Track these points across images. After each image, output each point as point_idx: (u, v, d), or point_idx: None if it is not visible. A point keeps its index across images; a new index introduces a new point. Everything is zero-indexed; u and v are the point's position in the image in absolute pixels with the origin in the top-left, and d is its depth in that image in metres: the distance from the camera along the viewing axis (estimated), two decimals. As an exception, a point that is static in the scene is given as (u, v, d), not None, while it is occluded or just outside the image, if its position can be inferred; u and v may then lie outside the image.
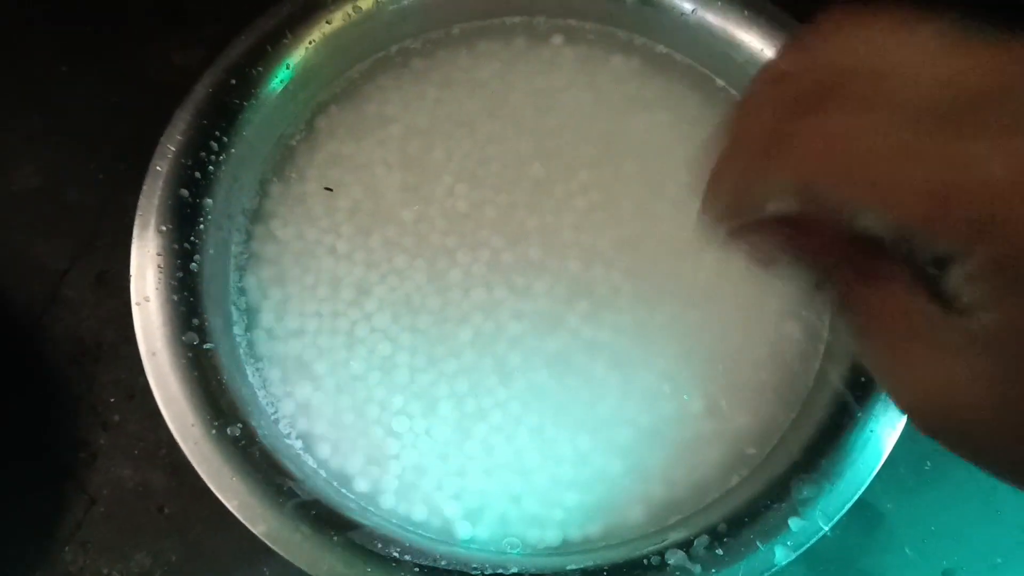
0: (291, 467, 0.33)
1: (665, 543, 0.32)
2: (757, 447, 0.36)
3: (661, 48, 0.43)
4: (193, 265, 0.35)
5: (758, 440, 0.36)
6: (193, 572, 0.37)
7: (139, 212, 0.35)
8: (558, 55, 0.43)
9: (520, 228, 0.39)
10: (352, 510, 0.33)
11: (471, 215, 0.39)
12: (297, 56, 0.39)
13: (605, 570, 0.32)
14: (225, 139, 0.37)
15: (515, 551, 0.34)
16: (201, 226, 0.36)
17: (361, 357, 0.37)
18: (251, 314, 0.38)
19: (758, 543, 0.32)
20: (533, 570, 0.32)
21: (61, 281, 0.41)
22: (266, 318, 0.38)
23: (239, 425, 0.33)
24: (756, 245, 0.25)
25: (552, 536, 0.35)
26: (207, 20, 0.45)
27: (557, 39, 0.43)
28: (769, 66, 0.22)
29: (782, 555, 0.32)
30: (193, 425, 0.32)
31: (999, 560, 0.39)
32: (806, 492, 0.33)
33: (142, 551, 0.37)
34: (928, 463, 0.40)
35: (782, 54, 0.23)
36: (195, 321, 0.34)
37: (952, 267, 0.18)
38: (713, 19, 0.41)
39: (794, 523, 0.32)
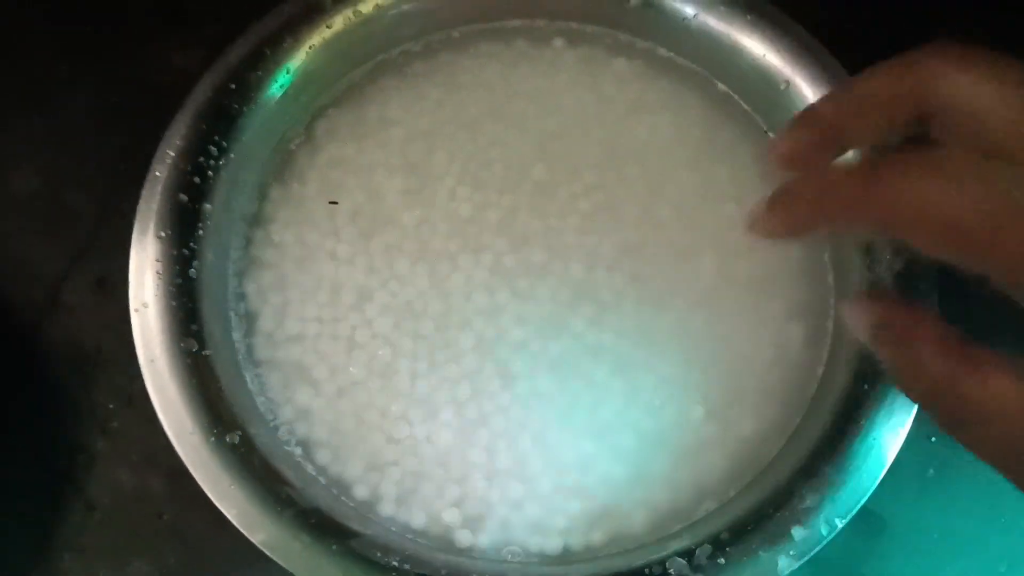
0: (290, 474, 0.33)
1: (667, 552, 0.32)
2: (760, 453, 0.36)
3: (663, 51, 0.43)
4: (192, 271, 0.35)
5: (761, 446, 0.36)
6: (192, 578, 0.37)
7: (138, 218, 0.35)
8: (560, 58, 0.43)
9: (523, 232, 0.39)
10: (351, 518, 0.33)
11: (473, 219, 0.39)
12: (297, 60, 0.39)
13: (606, 579, 0.32)
14: (224, 143, 0.37)
15: (516, 559, 0.34)
16: (200, 231, 0.36)
17: (361, 362, 0.37)
18: (250, 319, 0.38)
19: (760, 552, 0.32)
20: (534, 579, 0.32)
21: (59, 285, 0.41)
22: (265, 323, 0.38)
23: (238, 432, 0.33)
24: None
25: (554, 544, 0.35)
26: (207, 21, 0.45)
27: (558, 42, 0.43)
28: (858, 90, 0.22)
29: (785, 564, 0.31)
30: (191, 433, 0.32)
31: (1003, 568, 0.39)
32: (809, 500, 0.32)
33: (141, 557, 0.37)
34: (931, 470, 0.39)
35: (872, 81, 0.23)
36: (194, 327, 0.34)
37: None
38: (715, 23, 0.41)
39: (797, 532, 0.32)
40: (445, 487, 0.35)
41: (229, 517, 0.31)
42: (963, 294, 0.40)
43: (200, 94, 0.37)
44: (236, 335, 0.37)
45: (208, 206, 0.36)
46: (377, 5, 0.40)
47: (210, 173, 0.37)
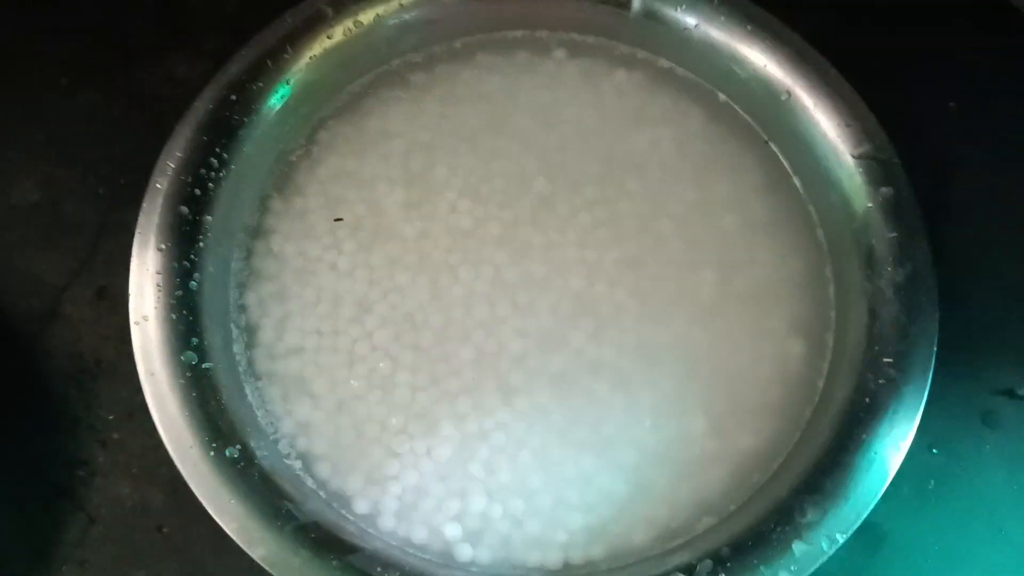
0: (290, 488, 0.33)
1: (668, 567, 0.32)
2: (761, 468, 0.36)
3: (664, 62, 0.43)
4: (192, 283, 0.35)
5: (762, 461, 0.36)
6: (192, 592, 0.37)
7: (138, 230, 0.35)
8: (561, 69, 0.43)
9: (524, 245, 0.39)
10: (351, 533, 0.33)
11: (474, 232, 0.39)
12: (298, 71, 0.39)
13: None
14: (225, 155, 0.37)
15: (517, 574, 0.34)
16: (201, 243, 0.36)
17: (361, 375, 0.37)
18: (251, 332, 0.38)
19: (761, 567, 0.32)
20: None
21: (60, 297, 0.41)
22: (266, 336, 0.37)
23: (238, 446, 0.33)
24: None
25: (554, 559, 0.34)
26: (208, 34, 0.45)
27: (559, 53, 0.43)
28: None
29: (786, 580, 0.31)
30: (191, 447, 0.32)
31: (1004, 581, 0.39)
32: (810, 515, 0.32)
33: (140, 571, 0.37)
34: (931, 483, 0.39)
35: None
36: (194, 340, 0.34)
37: None
38: (716, 34, 0.41)
39: (798, 547, 0.32)
40: (446, 501, 0.35)
41: (228, 532, 0.31)
42: (963, 301, 0.40)
43: (201, 106, 0.37)
44: (236, 347, 0.37)
45: (209, 218, 0.36)
46: (377, 15, 0.40)
47: (211, 185, 0.37)
